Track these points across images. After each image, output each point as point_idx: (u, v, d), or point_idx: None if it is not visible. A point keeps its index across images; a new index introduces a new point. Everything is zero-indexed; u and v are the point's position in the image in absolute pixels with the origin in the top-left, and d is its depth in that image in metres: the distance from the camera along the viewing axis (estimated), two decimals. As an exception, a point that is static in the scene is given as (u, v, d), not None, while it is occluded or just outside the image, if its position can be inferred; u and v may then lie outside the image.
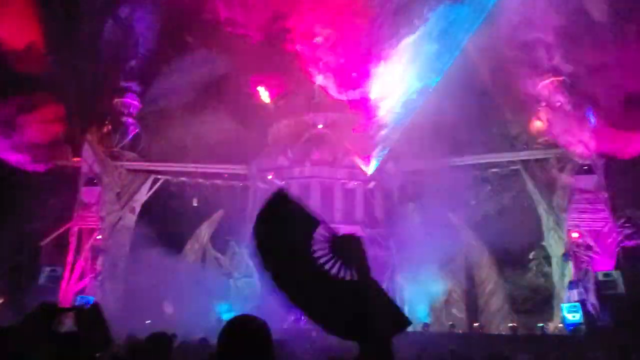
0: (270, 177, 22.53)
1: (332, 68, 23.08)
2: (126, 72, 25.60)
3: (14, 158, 21.77)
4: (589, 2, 22.51)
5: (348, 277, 1.97)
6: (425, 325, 19.10)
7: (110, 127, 24.46)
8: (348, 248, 1.99)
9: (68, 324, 1.84)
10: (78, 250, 22.16)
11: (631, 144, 19.61)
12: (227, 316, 18.41)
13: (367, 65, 22.31)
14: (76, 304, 19.24)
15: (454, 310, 21.28)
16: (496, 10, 19.96)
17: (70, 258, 21.90)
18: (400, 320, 2.01)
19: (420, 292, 19.86)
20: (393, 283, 20.23)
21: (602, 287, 19.01)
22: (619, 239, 19.92)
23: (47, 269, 21.68)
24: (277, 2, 23.23)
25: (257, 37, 24.42)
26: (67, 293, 21.09)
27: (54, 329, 1.75)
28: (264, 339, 1.86)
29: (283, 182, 22.29)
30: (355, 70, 22.81)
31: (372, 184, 22.35)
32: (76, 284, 21.49)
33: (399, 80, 21.47)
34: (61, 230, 22.43)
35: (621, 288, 18.76)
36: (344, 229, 17.70)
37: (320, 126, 23.55)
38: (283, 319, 16.05)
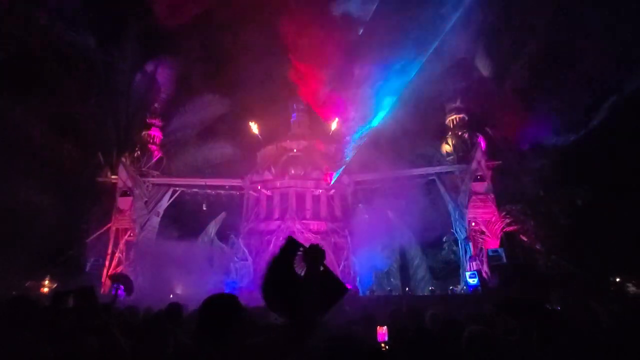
0: (259, 187, 22.51)
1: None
2: (151, 111, 25.51)
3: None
4: (479, 61, 23.56)
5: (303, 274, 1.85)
6: (371, 290, 19.32)
7: (139, 152, 24.26)
8: (310, 254, 1.84)
9: (71, 302, 1.67)
10: (115, 245, 21.89)
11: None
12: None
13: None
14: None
15: (392, 279, 21.38)
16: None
17: (109, 251, 21.63)
18: (340, 290, 1.87)
19: (368, 267, 19.78)
20: (348, 260, 20.18)
21: (492, 260, 19.45)
22: (502, 226, 20.52)
23: (92, 259, 21.21)
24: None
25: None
26: (107, 278, 20.63)
27: (63, 306, 1.65)
28: (233, 309, 1.70)
29: (268, 191, 22.43)
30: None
31: (332, 191, 22.39)
32: (114, 270, 20.91)
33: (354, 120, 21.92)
34: (103, 229, 22.10)
35: (504, 260, 19.27)
36: (313, 224, 17.99)
37: (295, 150, 23.56)
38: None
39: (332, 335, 1.84)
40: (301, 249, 1.88)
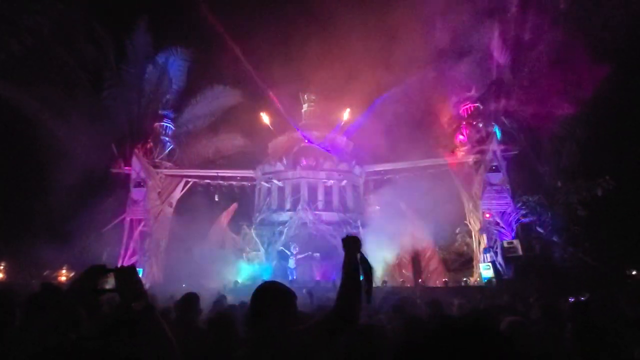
0: (271, 178, 22.51)
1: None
2: (163, 103, 25.63)
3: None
4: (495, 50, 23.01)
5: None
6: (384, 281, 18.90)
7: (152, 144, 24.39)
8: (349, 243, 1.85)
9: (111, 282, 1.56)
10: (130, 235, 22.20)
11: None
12: (266, 275, 18.34)
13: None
14: None
15: (404, 271, 21.18)
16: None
17: (124, 240, 21.96)
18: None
19: (380, 258, 19.24)
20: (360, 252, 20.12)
21: (506, 251, 19.14)
22: (517, 217, 20.17)
23: (108, 248, 21.62)
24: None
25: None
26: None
27: (99, 286, 1.54)
28: (287, 297, 1.74)
29: (280, 182, 22.45)
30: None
31: (344, 182, 22.23)
32: (129, 260, 21.32)
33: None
34: (117, 220, 22.42)
35: (519, 251, 18.99)
36: (325, 214, 18.01)
37: (306, 141, 23.49)
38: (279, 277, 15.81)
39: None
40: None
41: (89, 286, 1.49)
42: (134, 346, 1.46)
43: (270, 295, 1.73)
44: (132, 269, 1.57)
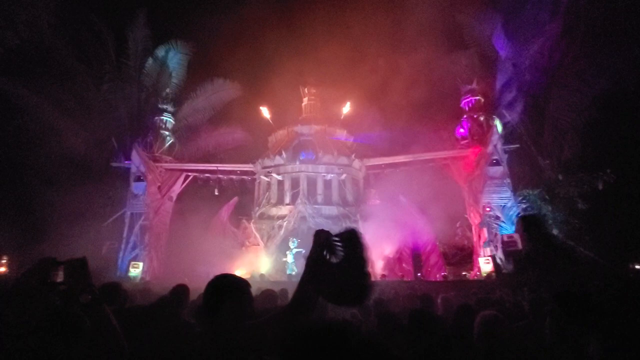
0: (270, 172, 22.47)
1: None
2: (162, 97, 25.54)
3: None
4: (496, 41, 22.77)
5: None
6: (383, 275, 18.96)
7: (152, 138, 24.36)
8: (347, 238, 1.72)
9: (61, 275, 1.52)
10: (130, 229, 22.23)
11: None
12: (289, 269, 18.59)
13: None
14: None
15: (404, 264, 21.04)
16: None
17: (125, 234, 22.01)
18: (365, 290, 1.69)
19: (380, 252, 19.48)
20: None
21: (506, 246, 18.97)
22: (518, 211, 20.07)
23: (108, 242, 21.70)
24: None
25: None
26: (123, 261, 21.16)
27: (49, 280, 1.49)
28: (240, 291, 1.69)
29: (280, 176, 22.43)
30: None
31: (344, 176, 22.17)
32: (130, 254, 21.49)
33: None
34: (118, 214, 22.48)
35: (519, 246, 18.79)
36: (324, 208, 17.99)
37: (306, 135, 23.46)
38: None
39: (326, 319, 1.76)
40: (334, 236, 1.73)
41: (38, 279, 1.45)
42: (67, 344, 1.41)
43: (221, 289, 1.67)
44: (82, 261, 1.52)
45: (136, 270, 20.06)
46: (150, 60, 25.72)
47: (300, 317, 1.61)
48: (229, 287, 1.68)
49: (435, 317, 2.17)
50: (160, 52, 26.04)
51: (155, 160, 23.58)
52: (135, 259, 21.18)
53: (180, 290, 3.75)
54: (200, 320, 1.66)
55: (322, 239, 1.74)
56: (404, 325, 2.42)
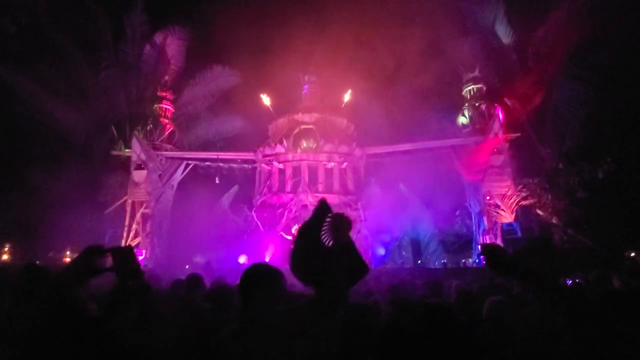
0: (271, 160, 22.44)
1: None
2: (162, 84, 25.32)
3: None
4: (499, 28, 22.59)
5: (330, 244, 1.79)
6: (384, 262, 19.39)
7: (152, 126, 24.23)
8: (337, 223, 1.80)
9: (109, 262, 1.62)
10: (132, 217, 22.31)
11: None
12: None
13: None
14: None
15: (404, 252, 21.42)
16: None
17: (126, 222, 22.10)
18: (361, 269, 1.82)
19: (380, 240, 19.78)
20: (361, 234, 19.84)
21: (506, 234, 19.00)
22: (518, 200, 20.14)
23: (110, 230, 21.85)
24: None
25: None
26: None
27: (98, 266, 1.58)
28: (273, 278, 1.76)
29: (281, 164, 22.41)
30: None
31: (345, 164, 22.04)
32: (132, 241, 21.60)
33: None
34: (119, 202, 22.54)
35: (519, 234, 18.87)
36: (326, 197, 18.30)
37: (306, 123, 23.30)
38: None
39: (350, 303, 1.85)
40: (330, 215, 1.83)
41: (86, 266, 1.53)
42: (130, 323, 1.53)
43: (255, 277, 1.76)
44: (130, 248, 1.65)
45: (139, 258, 20.18)
46: (148, 47, 25.36)
47: (333, 303, 1.67)
48: (261, 275, 1.76)
49: (454, 316, 2.23)
50: (158, 38, 25.68)
51: (156, 148, 23.50)
52: (137, 246, 21.33)
53: (196, 277, 3.98)
54: (240, 309, 1.67)
55: (323, 209, 1.84)
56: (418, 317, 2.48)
